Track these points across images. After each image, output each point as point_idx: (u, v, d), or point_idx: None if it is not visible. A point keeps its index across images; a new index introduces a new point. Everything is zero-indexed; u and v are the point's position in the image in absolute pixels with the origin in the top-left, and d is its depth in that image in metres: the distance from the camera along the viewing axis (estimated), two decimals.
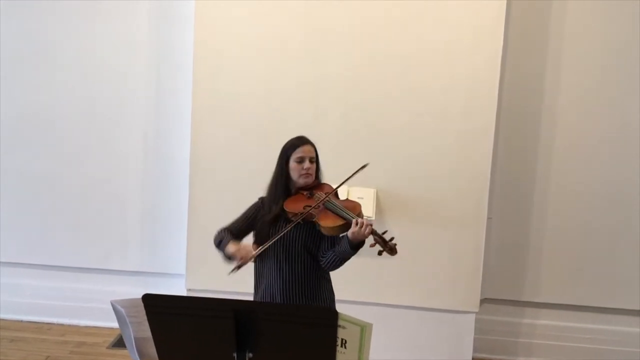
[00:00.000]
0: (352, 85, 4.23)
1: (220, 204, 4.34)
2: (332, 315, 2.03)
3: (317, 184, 2.89)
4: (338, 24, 4.20)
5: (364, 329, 2.03)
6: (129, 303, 2.13)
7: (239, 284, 4.22)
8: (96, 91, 4.69)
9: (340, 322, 2.05)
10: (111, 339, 4.53)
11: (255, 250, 2.70)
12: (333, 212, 2.73)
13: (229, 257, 2.75)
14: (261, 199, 2.95)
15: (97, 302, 4.60)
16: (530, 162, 4.54)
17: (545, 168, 4.53)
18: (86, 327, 4.75)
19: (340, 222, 2.70)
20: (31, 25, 4.65)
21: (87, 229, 4.77)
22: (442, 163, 4.24)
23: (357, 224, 2.60)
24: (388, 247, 2.66)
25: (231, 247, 2.73)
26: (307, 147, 2.85)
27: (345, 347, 2.10)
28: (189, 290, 4.36)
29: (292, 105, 4.27)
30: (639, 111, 4.42)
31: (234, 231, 2.90)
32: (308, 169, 2.82)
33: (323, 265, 2.81)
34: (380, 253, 2.67)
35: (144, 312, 2.07)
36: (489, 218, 4.32)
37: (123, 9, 4.61)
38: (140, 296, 2.06)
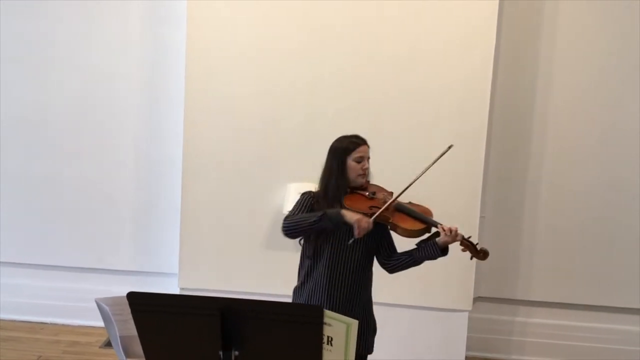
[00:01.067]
0: (345, 85, 4.23)
1: (213, 203, 4.36)
2: (318, 313, 2.03)
3: (368, 185, 2.87)
4: (331, 24, 4.19)
5: (350, 327, 2.03)
6: (113, 301, 2.13)
7: (231, 283, 4.28)
8: (89, 91, 4.69)
9: (325, 320, 2.04)
10: (104, 339, 4.53)
11: (370, 219, 2.66)
12: (408, 214, 2.76)
13: (342, 224, 2.66)
14: (310, 194, 2.85)
15: (90, 302, 4.47)
16: (523, 162, 4.55)
17: (537, 167, 4.54)
18: (80, 326, 4.75)
19: (420, 225, 2.74)
20: (25, 26, 4.64)
21: (81, 229, 4.77)
22: (435, 163, 4.22)
23: (447, 231, 2.69)
24: (482, 250, 2.76)
25: (351, 215, 2.65)
26: (366, 147, 2.84)
27: (331, 345, 2.09)
28: (181, 289, 4.36)
29: (286, 105, 4.27)
30: (631, 111, 4.44)
31: None
32: (366, 169, 2.82)
33: (389, 267, 2.88)
34: (472, 258, 2.78)
35: (129, 310, 2.06)
36: (481, 217, 4.32)
37: (115, 9, 4.61)
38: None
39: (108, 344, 4.45)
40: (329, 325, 2.05)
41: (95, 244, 4.77)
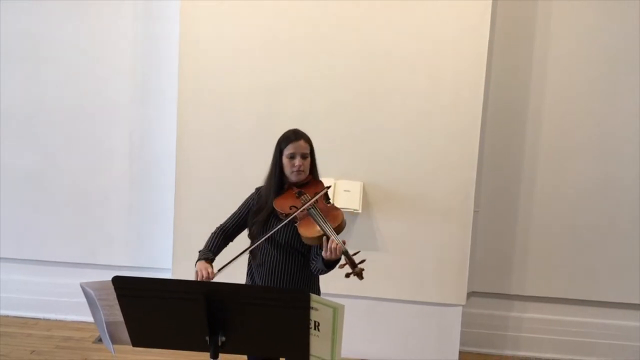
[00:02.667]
0: (338, 82, 4.23)
1: (206, 198, 4.35)
2: (305, 297, 2.02)
3: (309, 181, 2.82)
4: (324, 21, 4.19)
5: (337, 311, 2.02)
6: (99, 285, 2.11)
7: (225, 278, 4.25)
8: (82, 88, 4.68)
9: (312, 304, 2.03)
10: (97, 334, 4.51)
11: (214, 272, 2.68)
12: (314, 220, 2.64)
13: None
14: (257, 190, 2.91)
15: (83, 297, 4.55)
16: (517, 156, 4.54)
17: (531, 162, 4.53)
18: (73, 322, 4.74)
19: (318, 233, 2.60)
20: (17, 21, 4.64)
21: (74, 224, 4.76)
22: (429, 157, 4.23)
23: (327, 244, 2.52)
24: (355, 271, 2.58)
25: (197, 265, 2.74)
26: (299, 143, 2.76)
27: (318, 330, 2.08)
28: None
29: (277, 101, 4.26)
30: (625, 105, 4.43)
31: (229, 228, 2.88)
32: (299, 166, 2.75)
33: (311, 269, 2.78)
34: (347, 275, 2.59)
35: (114, 295, 2.05)
36: (475, 211, 4.32)
37: (109, 6, 4.60)
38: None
39: (101, 340, 4.43)
40: (316, 309, 2.04)
41: (89, 239, 4.77)
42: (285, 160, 2.78)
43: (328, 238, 2.55)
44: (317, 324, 2.07)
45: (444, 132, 4.21)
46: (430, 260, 4.25)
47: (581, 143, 4.49)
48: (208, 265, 2.71)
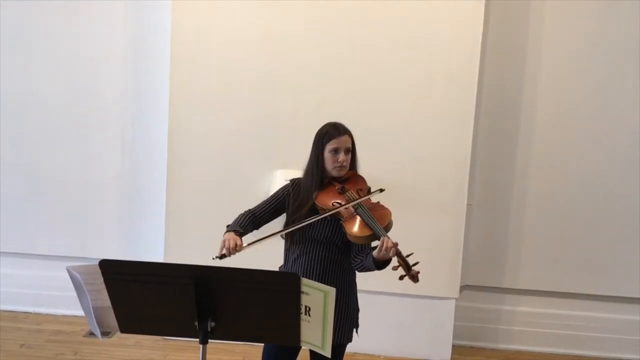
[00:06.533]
0: (330, 74, 4.20)
1: (199, 191, 4.33)
2: (295, 280, 2.00)
3: (350, 176, 2.77)
4: (316, 14, 4.17)
5: (327, 295, 2.00)
6: (86, 269, 2.08)
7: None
8: (73, 79, 4.64)
9: (303, 288, 2.01)
10: (88, 328, 4.47)
11: (243, 245, 2.57)
12: (362, 218, 2.59)
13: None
14: (292, 182, 2.82)
15: (74, 291, 4.52)
16: (511, 150, 4.53)
17: (525, 156, 4.52)
18: (63, 316, 4.70)
19: (367, 232, 2.55)
20: (7, 13, 4.59)
21: (64, 218, 4.72)
22: (422, 150, 4.22)
23: (382, 245, 2.47)
24: (411, 274, 2.54)
25: (225, 235, 2.62)
26: (343, 138, 2.69)
27: (309, 315, 2.06)
28: None
29: (269, 95, 4.24)
30: (617, 98, 4.43)
31: (259, 214, 2.79)
32: (342, 161, 2.69)
33: (353, 266, 2.74)
34: (401, 278, 2.56)
35: (102, 279, 2.02)
36: (469, 205, 4.30)
37: None
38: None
39: (92, 333, 4.39)
40: (307, 294, 2.02)
41: (80, 232, 4.72)
42: (327, 155, 2.70)
43: (378, 238, 2.51)
44: (307, 308, 2.05)
45: (437, 125, 4.19)
46: (423, 254, 4.13)
47: (575, 137, 4.48)
48: (237, 237, 2.59)
